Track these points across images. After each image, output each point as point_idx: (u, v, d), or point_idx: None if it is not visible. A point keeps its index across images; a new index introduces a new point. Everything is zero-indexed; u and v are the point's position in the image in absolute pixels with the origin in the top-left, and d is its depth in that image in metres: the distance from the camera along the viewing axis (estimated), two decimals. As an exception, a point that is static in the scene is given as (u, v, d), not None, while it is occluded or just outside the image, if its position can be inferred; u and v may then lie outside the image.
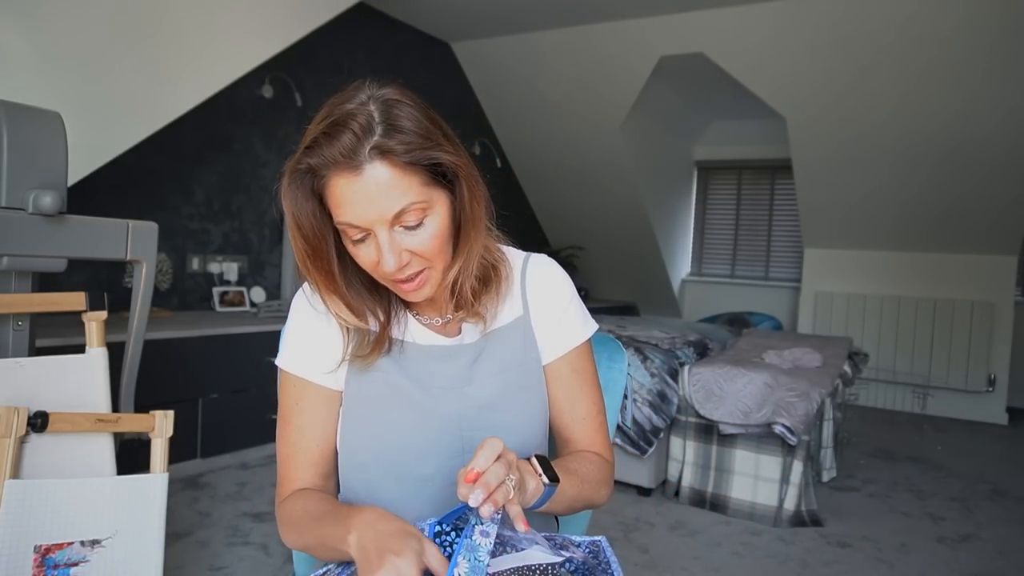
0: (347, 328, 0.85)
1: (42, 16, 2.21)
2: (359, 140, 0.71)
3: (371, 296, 0.86)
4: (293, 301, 0.89)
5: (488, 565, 0.64)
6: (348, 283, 0.83)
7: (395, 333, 0.87)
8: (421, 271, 0.79)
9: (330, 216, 0.77)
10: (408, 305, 0.89)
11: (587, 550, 0.78)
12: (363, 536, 0.67)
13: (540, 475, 0.76)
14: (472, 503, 0.65)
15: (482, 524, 0.66)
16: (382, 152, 0.71)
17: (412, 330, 0.89)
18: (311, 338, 0.87)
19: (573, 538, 0.79)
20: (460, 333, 0.89)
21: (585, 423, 0.93)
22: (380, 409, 0.85)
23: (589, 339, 0.96)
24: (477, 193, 0.80)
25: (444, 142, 0.76)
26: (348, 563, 0.81)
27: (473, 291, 0.85)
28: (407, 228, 0.76)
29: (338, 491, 0.92)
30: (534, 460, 0.78)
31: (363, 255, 0.77)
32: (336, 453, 0.89)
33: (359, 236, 0.76)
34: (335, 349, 0.86)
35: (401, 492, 0.85)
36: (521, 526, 0.67)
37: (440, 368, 0.87)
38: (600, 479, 0.90)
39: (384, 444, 0.84)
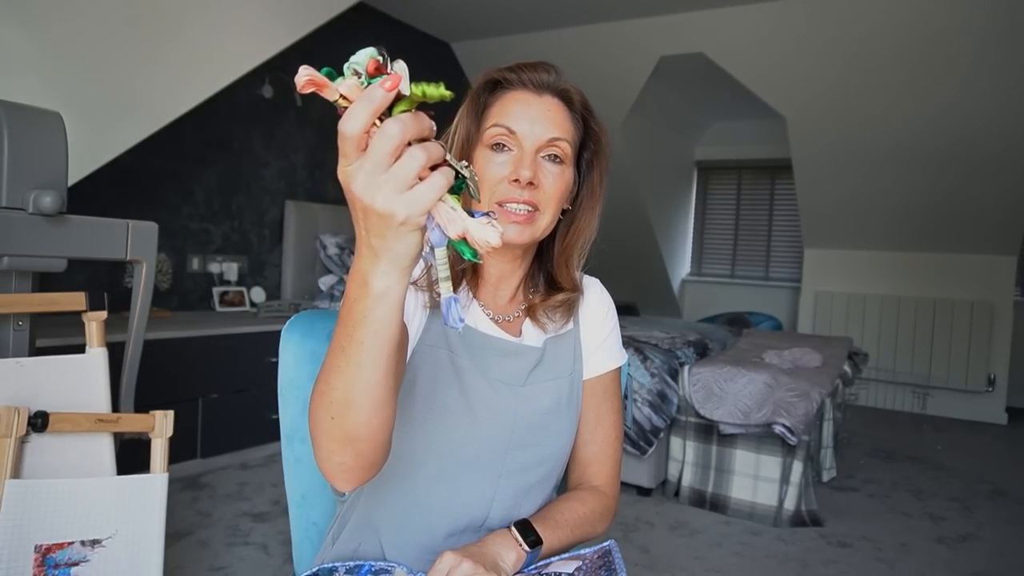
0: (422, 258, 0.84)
1: (42, 16, 2.20)
2: (552, 80, 0.85)
3: None
4: None
5: None
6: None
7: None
8: (536, 208, 0.82)
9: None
10: (475, 293, 0.88)
11: (596, 555, 0.79)
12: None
13: (520, 544, 0.79)
14: None
15: None
16: (563, 96, 0.85)
17: (474, 315, 0.87)
18: None
19: (583, 550, 0.81)
20: (521, 335, 0.90)
21: (602, 446, 0.95)
22: (441, 384, 0.83)
23: (619, 368, 0.99)
24: (605, 180, 0.91)
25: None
26: (358, 564, 0.81)
27: (564, 291, 0.90)
28: (547, 159, 0.83)
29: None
30: (514, 530, 0.81)
31: (496, 162, 0.82)
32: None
33: (503, 141, 0.82)
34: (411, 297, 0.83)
35: (438, 469, 0.83)
36: None
37: (503, 363, 0.87)
38: (595, 517, 0.91)
39: (435, 421, 0.82)
